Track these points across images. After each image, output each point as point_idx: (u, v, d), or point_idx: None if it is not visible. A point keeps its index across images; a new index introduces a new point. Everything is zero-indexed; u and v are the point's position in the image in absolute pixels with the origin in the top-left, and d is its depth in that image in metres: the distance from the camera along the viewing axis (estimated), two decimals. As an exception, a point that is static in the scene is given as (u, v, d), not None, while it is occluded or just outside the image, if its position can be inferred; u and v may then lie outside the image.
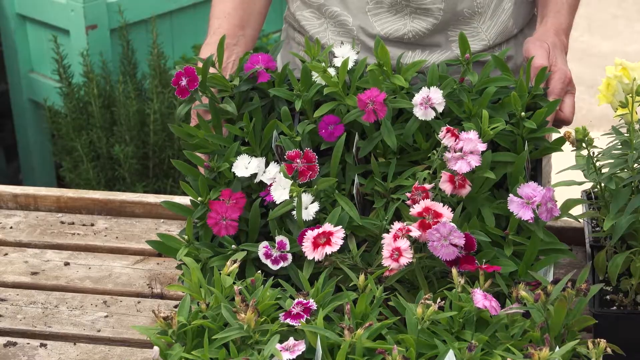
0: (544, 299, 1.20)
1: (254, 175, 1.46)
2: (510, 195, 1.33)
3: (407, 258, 1.27)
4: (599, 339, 1.16)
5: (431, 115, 1.43)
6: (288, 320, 1.22)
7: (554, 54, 1.56)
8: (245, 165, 1.45)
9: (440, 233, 1.27)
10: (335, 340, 1.19)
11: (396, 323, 1.26)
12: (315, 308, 1.24)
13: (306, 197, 1.39)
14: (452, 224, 1.28)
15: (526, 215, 1.31)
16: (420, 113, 1.43)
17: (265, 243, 1.39)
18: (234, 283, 1.29)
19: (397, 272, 1.30)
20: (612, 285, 1.39)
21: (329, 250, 1.32)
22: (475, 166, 1.34)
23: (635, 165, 1.37)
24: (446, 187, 1.34)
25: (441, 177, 1.35)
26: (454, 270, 1.26)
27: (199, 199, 1.45)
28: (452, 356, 1.15)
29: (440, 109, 1.43)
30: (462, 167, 1.34)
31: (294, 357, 1.17)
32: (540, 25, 1.69)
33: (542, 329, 1.21)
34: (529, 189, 1.32)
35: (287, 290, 1.31)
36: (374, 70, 1.47)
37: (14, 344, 1.47)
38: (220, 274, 1.30)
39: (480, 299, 1.21)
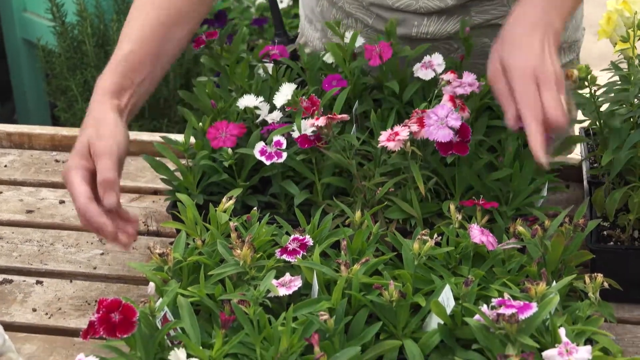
0: (541, 234, 1.20)
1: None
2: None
3: (403, 137, 1.29)
4: (596, 274, 1.16)
5: (431, 75, 1.48)
6: (284, 257, 1.22)
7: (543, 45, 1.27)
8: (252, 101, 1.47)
9: (438, 115, 1.31)
10: (331, 276, 1.18)
11: (392, 259, 1.26)
12: (312, 244, 1.23)
13: (305, 123, 1.39)
14: (450, 107, 1.31)
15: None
16: (422, 73, 1.49)
17: (261, 143, 1.39)
18: (230, 220, 1.28)
19: (391, 182, 1.33)
20: (609, 221, 1.38)
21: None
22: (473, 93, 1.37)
23: (635, 100, 1.35)
24: (448, 106, 1.35)
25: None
26: (452, 207, 1.26)
27: (199, 124, 1.45)
28: (449, 291, 1.15)
29: (439, 70, 1.48)
30: (461, 90, 1.39)
31: (290, 292, 1.17)
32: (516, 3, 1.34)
33: (539, 264, 1.20)
34: None
35: (283, 226, 1.31)
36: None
37: (10, 281, 1.47)
38: (215, 211, 1.29)
39: (477, 234, 1.20)
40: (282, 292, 1.17)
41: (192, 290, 1.19)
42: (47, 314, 1.40)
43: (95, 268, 1.49)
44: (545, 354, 1.06)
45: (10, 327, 1.37)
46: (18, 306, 1.42)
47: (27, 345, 1.34)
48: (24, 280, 1.47)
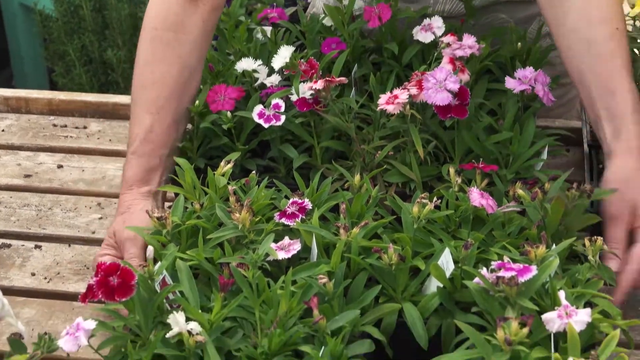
0: (541, 198, 1.19)
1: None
2: (507, 76, 1.36)
3: (402, 100, 1.29)
4: (595, 237, 1.15)
5: (430, 37, 1.47)
6: (283, 220, 1.21)
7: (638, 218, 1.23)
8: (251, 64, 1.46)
9: (436, 79, 1.30)
10: (330, 240, 1.18)
11: (392, 222, 1.25)
12: (311, 208, 1.23)
13: (303, 86, 1.38)
14: (449, 69, 1.30)
15: (520, 87, 1.34)
16: (421, 36, 1.48)
17: (260, 106, 1.39)
18: (228, 183, 1.27)
19: (390, 145, 1.33)
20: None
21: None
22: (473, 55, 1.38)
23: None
24: (447, 68, 1.34)
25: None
26: (452, 170, 1.25)
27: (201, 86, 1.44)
28: (449, 254, 1.15)
29: (439, 33, 1.47)
30: (460, 52, 1.38)
31: (289, 256, 1.17)
32: (613, 138, 1.27)
33: (539, 227, 1.20)
34: (526, 71, 1.36)
35: (282, 190, 1.30)
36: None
37: (8, 245, 1.46)
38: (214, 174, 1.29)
39: (477, 197, 1.20)
40: (281, 255, 1.16)
41: (191, 254, 1.19)
42: (45, 278, 1.40)
43: (93, 232, 1.48)
44: (544, 316, 1.05)
45: (9, 292, 1.37)
46: (17, 270, 1.42)
47: (26, 310, 1.34)
48: (23, 245, 1.47)
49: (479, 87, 1.44)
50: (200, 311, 1.08)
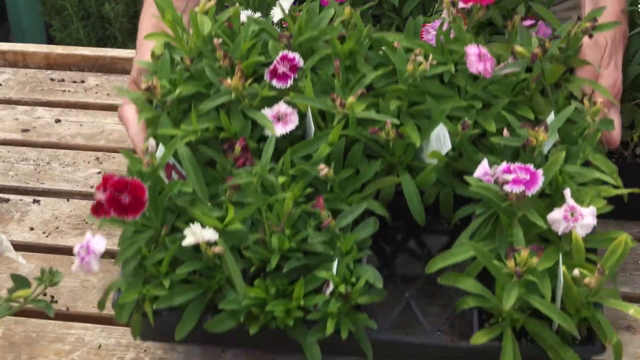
0: (541, 56, 1.16)
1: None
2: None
3: None
4: (595, 99, 1.14)
5: None
6: (274, 82, 1.18)
7: (609, 54, 1.27)
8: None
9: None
10: (327, 109, 1.17)
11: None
12: (302, 65, 1.19)
13: None
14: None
15: None
16: None
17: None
18: (214, 34, 1.22)
19: None
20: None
21: None
22: None
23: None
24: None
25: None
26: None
27: None
28: (444, 130, 1.14)
29: None
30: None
31: (287, 131, 1.16)
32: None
33: (538, 81, 1.18)
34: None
35: (267, 30, 1.25)
36: None
37: (7, 200, 1.46)
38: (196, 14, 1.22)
39: (474, 61, 1.16)
40: (279, 130, 1.15)
41: (186, 127, 1.16)
42: (44, 232, 1.40)
43: (92, 187, 1.48)
44: (550, 216, 1.05)
45: (7, 246, 1.36)
46: (15, 225, 1.41)
47: (25, 264, 1.34)
48: (21, 200, 1.46)
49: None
50: (213, 215, 1.09)
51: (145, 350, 1.22)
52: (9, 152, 1.57)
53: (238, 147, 1.13)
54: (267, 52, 1.22)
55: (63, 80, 1.74)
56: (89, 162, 1.54)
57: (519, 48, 1.17)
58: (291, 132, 1.16)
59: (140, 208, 1.04)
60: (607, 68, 1.25)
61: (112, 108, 1.67)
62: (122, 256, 1.09)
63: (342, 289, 1.06)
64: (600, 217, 1.09)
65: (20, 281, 1.00)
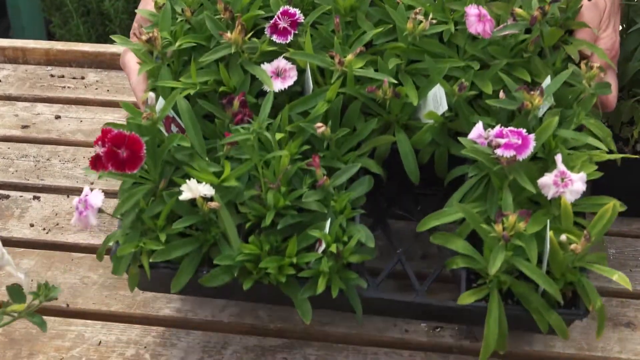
0: (540, 19, 1.16)
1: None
2: None
3: None
4: (592, 63, 1.14)
5: None
6: (274, 37, 1.19)
7: (608, 16, 1.26)
8: None
9: None
10: (326, 65, 1.18)
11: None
12: (302, 20, 1.20)
13: None
14: None
15: None
16: None
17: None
18: None
19: None
20: (615, 132, 1.36)
21: None
22: None
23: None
24: None
25: None
26: None
27: None
28: (441, 91, 1.15)
29: None
30: None
31: (286, 86, 1.17)
32: None
33: (536, 43, 1.18)
34: None
35: None
36: None
37: (7, 196, 1.46)
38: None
39: (474, 22, 1.16)
40: (278, 86, 1.17)
41: (185, 81, 1.18)
42: (44, 229, 1.40)
43: (92, 183, 1.48)
44: (540, 181, 1.07)
45: (7, 242, 1.36)
46: (15, 221, 1.41)
47: (25, 261, 1.34)
48: (21, 196, 1.46)
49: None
50: (210, 170, 1.11)
51: (145, 347, 1.22)
52: (9, 148, 1.56)
53: (236, 103, 1.14)
54: (269, 6, 1.23)
55: (63, 77, 1.73)
56: (89, 159, 1.53)
57: (518, 10, 1.17)
58: (290, 87, 1.18)
59: (138, 162, 1.06)
60: (605, 30, 1.25)
61: (112, 104, 1.67)
62: (120, 208, 1.11)
63: (333, 248, 1.08)
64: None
65: (15, 294, 1.00)
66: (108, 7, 2.80)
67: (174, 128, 1.16)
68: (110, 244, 1.12)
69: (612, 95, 1.21)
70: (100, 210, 1.09)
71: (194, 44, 1.21)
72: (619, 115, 1.33)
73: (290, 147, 1.13)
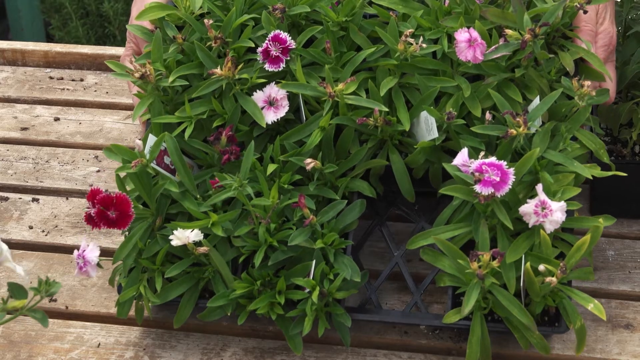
0: (532, 39, 1.16)
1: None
2: None
3: None
4: (583, 81, 1.15)
5: None
6: (267, 66, 1.21)
7: (605, 6, 1.29)
8: None
9: None
10: (318, 94, 1.19)
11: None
12: (294, 46, 1.21)
13: None
14: None
15: None
16: None
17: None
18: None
19: None
20: (613, 134, 1.36)
21: None
22: None
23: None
24: None
25: None
26: None
27: None
28: (431, 118, 1.17)
29: None
30: None
31: (278, 118, 1.19)
32: None
33: (529, 58, 1.19)
34: None
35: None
36: None
37: (6, 199, 1.46)
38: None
39: (464, 49, 1.17)
40: (270, 118, 1.19)
41: (180, 115, 1.22)
42: (43, 231, 1.40)
43: (91, 185, 1.47)
44: (522, 209, 1.09)
45: (6, 244, 1.35)
46: (14, 223, 1.41)
47: (24, 262, 1.34)
48: (20, 198, 1.46)
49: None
50: (201, 212, 1.16)
51: (144, 349, 1.22)
52: (8, 150, 1.57)
53: (224, 139, 1.17)
54: (260, 25, 1.24)
55: (62, 79, 1.73)
56: (87, 161, 1.53)
57: (509, 31, 1.17)
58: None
59: (127, 220, 1.13)
60: (602, 24, 1.27)
61: (111, 106, 1.67)
62: (120, 254, 1.18)
63: (316, 293, 1.12)
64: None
65: (16, 290, 1.00)
66: (107, 9, 2.80)
67: (167, 160, 1.20)
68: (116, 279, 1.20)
69: (612, 87, 1.23)
70: (99, 265, 1.14)
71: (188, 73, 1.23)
72: (618, 118, 1.33)
73: (282, 179, 1.17)
